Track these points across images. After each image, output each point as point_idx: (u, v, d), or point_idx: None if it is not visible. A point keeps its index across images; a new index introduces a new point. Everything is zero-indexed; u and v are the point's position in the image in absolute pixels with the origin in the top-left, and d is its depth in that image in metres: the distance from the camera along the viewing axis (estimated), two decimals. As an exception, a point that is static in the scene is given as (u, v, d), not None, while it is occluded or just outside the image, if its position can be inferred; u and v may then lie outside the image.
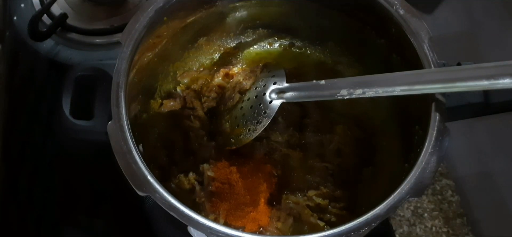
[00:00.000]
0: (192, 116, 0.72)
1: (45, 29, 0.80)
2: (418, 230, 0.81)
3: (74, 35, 0.83)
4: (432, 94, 0.58)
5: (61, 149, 0.78)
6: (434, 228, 0.82)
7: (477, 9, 0.97)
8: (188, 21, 0.70)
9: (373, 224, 0.52)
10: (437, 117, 0.57)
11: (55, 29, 0.81)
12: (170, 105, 0.72)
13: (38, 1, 0.86)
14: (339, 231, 0.51)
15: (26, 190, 0.77)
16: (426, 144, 0.56)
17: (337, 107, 0.73)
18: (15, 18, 0.84)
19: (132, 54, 0.60)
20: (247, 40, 0.77)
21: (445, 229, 0.82)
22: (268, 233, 0.65)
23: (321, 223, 0.65)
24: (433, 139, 0.56)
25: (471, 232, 0.82)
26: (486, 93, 0.64)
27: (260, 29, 0.77)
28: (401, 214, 0.83)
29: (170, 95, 0.73)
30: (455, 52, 0.79)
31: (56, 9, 0.84)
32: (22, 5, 0.86)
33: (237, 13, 0.74)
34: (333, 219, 0.66)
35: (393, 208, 0.53)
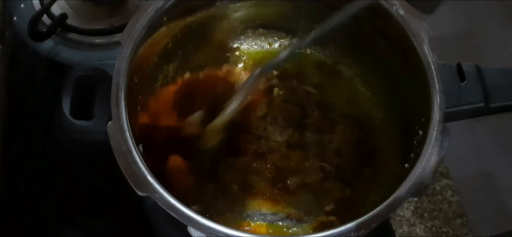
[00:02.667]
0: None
1: (45, 29, 0.80)
2: (418, 230, 0.81)
3: (74, 35, 0.83)
4: (433, 93, 0.58)
5: (61, 149, 0.78)
6: (434, 228, 0.82)
7: (477, 9, 0.97)
8: (188, 21, 0.70)
9: (373, 224, 0.52)
10: (437, 117, 0.57)
11: (55, 29, 0.81)
12: None
13: (38, 1, 0.86)
14: (339, 231, 0.51)
15: (26, 190, 0.77)
16: (426, 144, 0.56)
17: (337, 107, 0.73)
18: (15, 18, 0.84)
19: (132, 54, 0.60)
20: (247, 40, 0.77)
21: (445, 229, 0.82)
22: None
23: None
24: (433, 139, 0.56)
25: (471, 232, 0.82)
26: (486, 95, 0.64)
27: (260, 29, 0.77)
28: (401, 214, 0.83)
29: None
30: (455, 52, 0.79)
31: (56, 9, 0.84)
32: (22, 5, 0.86)
33: (237, 13, 0.74)
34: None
35: (393, 208, 0.53)
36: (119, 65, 0.59)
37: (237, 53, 0.77)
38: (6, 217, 0.73)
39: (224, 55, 0.77)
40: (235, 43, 0.77)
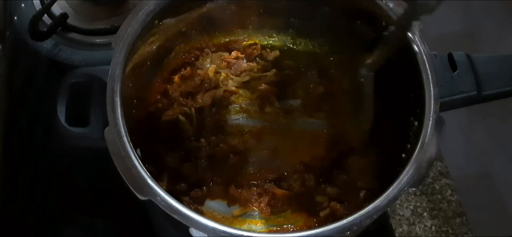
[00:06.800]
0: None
1: (45, 29, 0.80)
2: (417, 229, 0.81)
3: (74, 35, 0.83)
4: (425, 84, 0.58)
5: (59, 156, 0.78)
6: (433, 227, 0.82)
7: (477, 9, 0.97)
8: (179, 23, 0.70)
9: (374, 216, 0.53)
10: (431, 107, 0.57)
11: (56, 29, 0.81)
12: None
13: (38, 1, 0.86)
14: (340, 225, 0.52)
15: (26, 190, 0.77)
16: (422, 134, 0.56)
17: (332, 100, 0.74)
18: (15, 18, 0.84)
19: (125, 59, 0.60)
20: (239, 38, 0.77)
21: (444, 228, 0.82)
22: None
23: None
24: (429, 129, 0.57)
25: (470, 231, 0.82)
26: (479, 83, 0.65)
27: (251, 27, 0.77)
28: (401, 213, 0.83)
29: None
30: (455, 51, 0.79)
31: (56, 9, 0.84)
32: (23, 5, 0.86)
33: (227, 13, 0.73)
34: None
35: (393, 199, 0.53)
36: (113, 71, 0.59)
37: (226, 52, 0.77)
38: (6, 217, 0.73)
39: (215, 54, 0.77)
40: (227, 43, 0.77)
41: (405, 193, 0.57)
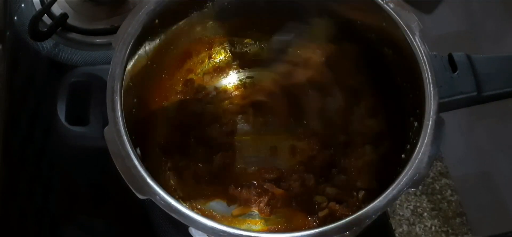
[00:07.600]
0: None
1: (45, 29, 0.80)
2: (417, 229, 0.81)
3: (74, 35, 0.83)
4: (425, 84, 0.58)
5: (59, 156, 0.78)
6: (433, 227, 0.82)
7: (477, 9, 0.97)
8: (180, 23, 0.70)
9: (374, 216, 0.53)
10: (431, 108, 0.57)
11: (56, 29, 0.81)
12: None
13: (38, 1, 0.86)
14: (340, 225, 0.52)
15: (26, 190, 0.77)
16: (422, 135, 0.56)
17: (332, 102, 0.75)
18: (15, 18, 0.84)
19: (125, 58, 0.60)
20: (240, 40, 0.77)
21: (444, 228, 0.82)
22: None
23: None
24: (428, 130, 0.57)
25: (470, 231, 0.82)
26: (479, 83, 0.65)
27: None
28: (401, 213, 0.83)
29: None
30: (455, 51, 0.79)
31: (56, 9, 0.84)
32: (23, 5, 0.86)
33: (227, 13, 0.74)
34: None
35: (392, 199, 0.53)
36: (113, 70, 0.59)
37: (228, 53, 0.77)
38: (6, 217, 0.73)
39: (214, 55, 0.77)
40: (227, 45, 0.77)
41: (405, 193, 0.57)
